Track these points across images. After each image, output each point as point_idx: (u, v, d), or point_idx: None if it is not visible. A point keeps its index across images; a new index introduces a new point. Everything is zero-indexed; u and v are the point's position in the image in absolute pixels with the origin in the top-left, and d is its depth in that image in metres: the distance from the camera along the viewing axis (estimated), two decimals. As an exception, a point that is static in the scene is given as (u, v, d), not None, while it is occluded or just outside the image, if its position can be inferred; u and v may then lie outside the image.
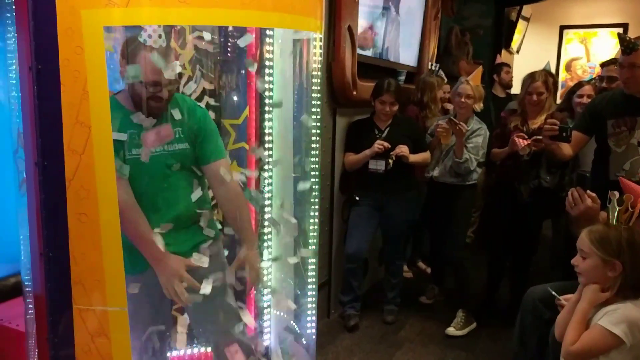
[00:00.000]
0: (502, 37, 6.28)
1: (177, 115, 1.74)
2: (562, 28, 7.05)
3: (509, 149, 2.93)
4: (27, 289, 1.60)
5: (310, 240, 2.11)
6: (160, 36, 1.54)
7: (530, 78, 3.00)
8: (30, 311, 1.56)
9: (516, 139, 2.85)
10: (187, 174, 1.80)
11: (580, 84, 3.54)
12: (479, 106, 3.15)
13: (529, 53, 6.78)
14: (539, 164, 2.99)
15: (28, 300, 1.58)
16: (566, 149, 2.67)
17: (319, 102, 2.07)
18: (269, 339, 2.38)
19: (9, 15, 1.52)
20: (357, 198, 3.19)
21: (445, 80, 3.91)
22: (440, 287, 3.60)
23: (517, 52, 6.83)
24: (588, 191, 1.93)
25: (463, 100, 3.09)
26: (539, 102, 2.97)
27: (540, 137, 2.70)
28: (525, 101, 3.02)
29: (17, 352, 1.75)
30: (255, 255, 1.89)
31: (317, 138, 2.10)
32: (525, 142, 2.83)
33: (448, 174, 3.16)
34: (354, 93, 3.14)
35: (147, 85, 1.62)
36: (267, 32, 2.05)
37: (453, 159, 3.09)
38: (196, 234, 1.83)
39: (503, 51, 6.26)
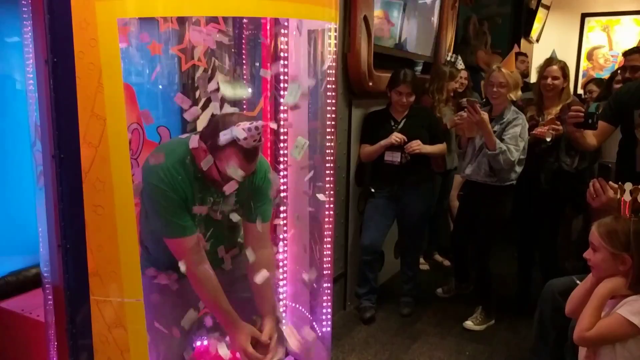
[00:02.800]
0: (521, 26, 6.17)
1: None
2: (584, 16, 6.89)
3: (531, 140, 2.86)
4: (45, 280, 1.62)
5: (325, 233, 2.10)
6: (254, 140, 1.52)
7: (547, 62, 2.95)
8: (49, 302, 1.58)
9: (536, 132, 2.80)
10: None
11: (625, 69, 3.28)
12: (515, 95, 2.91)
13: (549, 42, 6.64)
14: (558, 148, 2.90)
15: (47, 291, 1.60)
16: (590, 138, 2.60)
17: (334, 94, 2.05)
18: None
19: (26, 9, 1.53)
20: (372, 190, 3.17)
21: (462, 68, 3.85)
22: (463, 283, 3.54)
23: (537, 41, 6.70)
24: (610, 182, 1.88)
25: (495, 89, 2.88)
26: (553, 87, 2.89)
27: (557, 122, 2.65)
28: (541, 87, 2.94)
29: (38, 342, 1.78)
30: (272, 328, 1.84)
31: (332, 130, 2.08)
32: (545, 128, 2.76)
33: (483, 173, 2.93)
34: (370, 84, 3.11)
35: (222, 175, 1.60)
36: (282, 22, 2.04)
37: (486, 153, 2.82)
38: None
39: (522, 40, 6.15)
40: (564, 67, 2.91)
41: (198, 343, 2.03)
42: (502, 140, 2.81)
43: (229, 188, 1.59)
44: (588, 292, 1.64)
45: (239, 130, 1.51)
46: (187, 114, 1.61)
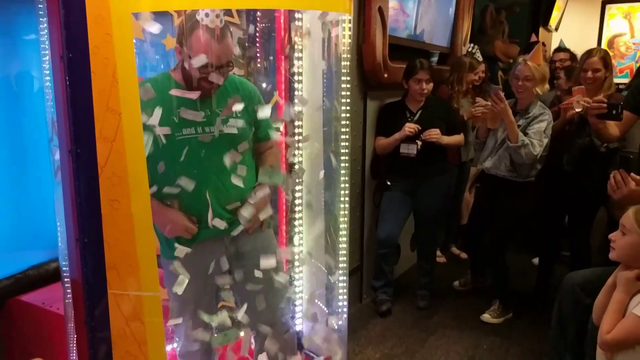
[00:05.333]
0: (540, 14, 6.05)
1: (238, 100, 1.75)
2: (604, 3, 6.74)
3: (562, 117, 2.79)
4: (64, 274, 1.64)
5: (341, 226, 2.10)
6: (217, 16, 1.54)
7: (587, 54, 2.82)
8: (68, 295, 1.60)
9: (564, 104, 2.70)
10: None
11: None
12: (541, 89, 2.83)
13: (568, 30, 6.51)
14: (587, 124, 2.74)
15: (66, 284, 1.62)
16: (613, 128, 2.54)
17: (348, 86, 2.04)
18: (301, 324, 2.39)
19: (41, 6, 1.54)
20: (388, 183, 3.15)
21: (481, 61, 3.80)
22: (479, 277, 3.51)
23: (556, 29, 6.57)
24: (632, 174, 1.84)
25: (521, 83, 2.79)
26: (594, 79, 2.77)
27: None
28: (580, 79, 2.83)
29: (58, 335, 1.81)
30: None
31: (347, 122, 2.07)
32: (573, 99, 2.65)
33: (503, 167, 2.87)
34: (385, 75, 3.09)
35: (200, 66, 1.60)
36: (296, 14, 2.03)
37: (508, 145, 2.76)
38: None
39: (541, 29, 6.03)
40: (604, 57, 2.78)
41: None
42: (525, 134, 2.75)
43: (216, 78, 1.61)
44: (609, 294, 1.62)
45: (199, 12, 1.55)
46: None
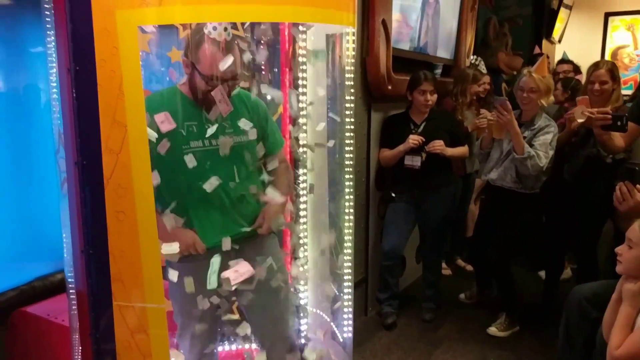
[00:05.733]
0: (543, 26, 6.07)
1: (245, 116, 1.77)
2: (607, 15, 6.75)
3: (567, 128, 2.79)
4: (70, 286, 1.64)
5: (345, 238, 2.09)
6: (225, 29, 1.56)
7: (594, 66, 2.83)
8: (73, 307, 1.60)
9: (566, 115, 2.70)
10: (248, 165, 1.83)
11: None
12: (546, 100, 2.83)
13: (571, 42, 6.53)
14: (593, 135, 2.72)
15: (71, 296, 1.62)
16: (618, 140, 2.54)
17: (352, 98, 2.05)
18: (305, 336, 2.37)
19: (49, 19, 1.56)
20: (393, 195, 3.15)
21: (485, 72, 3.81)
22: (485, 289, 3.48)
23: (559, 41, 6.59)
24: (638, 185, 1.83)
25: (526, 95, 2.79)
26: (602, 92, 2.77)
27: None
28: (588, 91, 2.82)
29: (63, 347, 1.80)
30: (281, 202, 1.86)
31: (351, 134, 2.07)
32: (575, 109, 2.66)
33: (509, 179, 2.85)
34: (389, 87, 3.10)
35: (207, 79, 1.62)
36: (300, 27, 2.04)
37: (514, 157, 2.74)
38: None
39: (544, 41, 6.05)
40: (612, 69, 2.78)
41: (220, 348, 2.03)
42: (531, 146, 2.74)
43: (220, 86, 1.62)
44: (616, 309, 1.60)
45: (207, 25, 1.57)
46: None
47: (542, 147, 2.73)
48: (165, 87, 1.82)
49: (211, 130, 1.66)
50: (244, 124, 1.73)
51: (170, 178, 1.66)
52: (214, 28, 1.55)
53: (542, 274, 3.76)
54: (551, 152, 2.75)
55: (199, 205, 1.72)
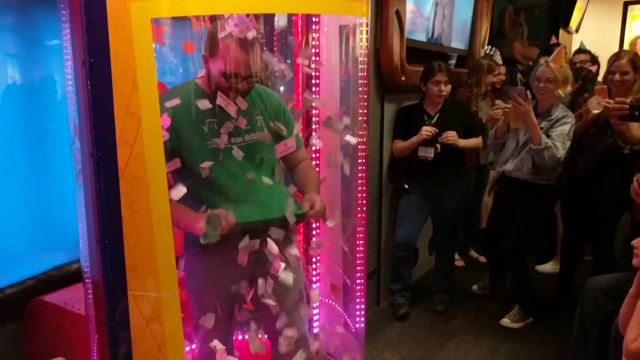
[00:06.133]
0: (560, 15, 5.97)
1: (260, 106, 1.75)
2: (626, 4, 6.63)
3: (585, 119, 2.75)
4: (85, 275, 1.67)
5: (358, 229, 2.09)
6: (247, 27, 1.50)
7: (615, 56, 2.78)
8: (89, 296, 1.63)
9: (581, 110, 2.67)
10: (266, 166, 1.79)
11: None
12: (563, 91, 2.79)
13: (589, 32, 6.41)
14: (611, 126, 2.69)
15: (87, 285, 1.65)
16: (636, 130, 2.50)
17: (366, 89, 2.04)
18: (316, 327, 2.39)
19: (64, 12, 1.57)
20: (406, 186, 3.14)
21: (500, 63, 3.76)
22: (498, 280, 3.46)
23: (576, 31, 6.48)
24: (655, 177, 1.81)
25: (542, 85, 2.74)
26: (622, 82, 2.72)
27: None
28: (608, 82, 2.78)
29: (79, 335, 1.83)
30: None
31: (365, 125, 2.07)
32: (591, 99, 2.62)
33: (526, 170, 2.83)
34: (403, 78, 3.08)
35: (226, 76, 1.59)
36: (313, 18, 2.03)
37: (530, 148, 2.71)
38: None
39: (561, 31, 5.95)
40: (634, 59, 2.73)
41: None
42: (548, 137, 2.71)
43: (242, 85, 1.60)
44: (633, 302, 1.58)
45: (228, 21, 1.51)
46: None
47: (560, 138, 2.69)
48: (182, 82, 1.79)
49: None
50: (260, 121, 1.71)
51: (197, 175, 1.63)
52: (236, 25, 1.51)
53: (542, 267, 3.75)
54: (568, 143, 2.72)
55: (223, 202, 1.68)
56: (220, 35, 1.54)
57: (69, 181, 1.79)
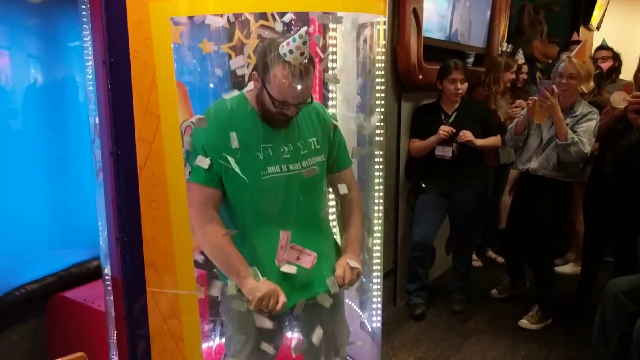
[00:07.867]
0: (581, 13, 5.88)
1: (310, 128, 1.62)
2: (650, 1, 6.50)
3: (610, 115, 2.70)
4: (105, 272, 1.69)
5: (374, 228, 2.09)
6: (302, 54, 1.39)
7: None
8: (109, 293, 1.65)
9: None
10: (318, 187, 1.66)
11: None
12: (586, 87, 2.73)
13: (610, 29, 6.29)
14: None
15: (107, 282, 1.67)
16: None
17: (383, 87, 2.03)
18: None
19: (85, 13, 1.60)
20: (423, 185, 3.12)
21: (522, 62, 3.71)
22: (518, 281, 3.40)
23: (597, 28, 6.37)
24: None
25: (565, 81, 2.68)
26: None
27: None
28: (638, 79, 2.72)
29: (99, 331, 1.86)
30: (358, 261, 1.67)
31: (382, 124, 2.06)
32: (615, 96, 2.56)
33: (551, 167, 2.76)
34: (420, 77, 3.06)
35: (276, 103, 1.46)
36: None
37: (557, 144, 2.66)
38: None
39: (581, 28, 5.86)
40: None
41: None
42: (574, 132, 2.66)
43: (291, 111, 1.49)
44: None
45: (283, 46, 1.40)
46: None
47: (586, 134, 2.65)
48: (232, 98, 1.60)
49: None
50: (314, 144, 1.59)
51: (249, 209, 1.54)
52: (290, 51, 1.39)
53: (561, 269, 3.68)
54: (593, 139, 2.68)
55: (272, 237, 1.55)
56: (271, 55, 1.43)
57: (89, 180, 1.81)
